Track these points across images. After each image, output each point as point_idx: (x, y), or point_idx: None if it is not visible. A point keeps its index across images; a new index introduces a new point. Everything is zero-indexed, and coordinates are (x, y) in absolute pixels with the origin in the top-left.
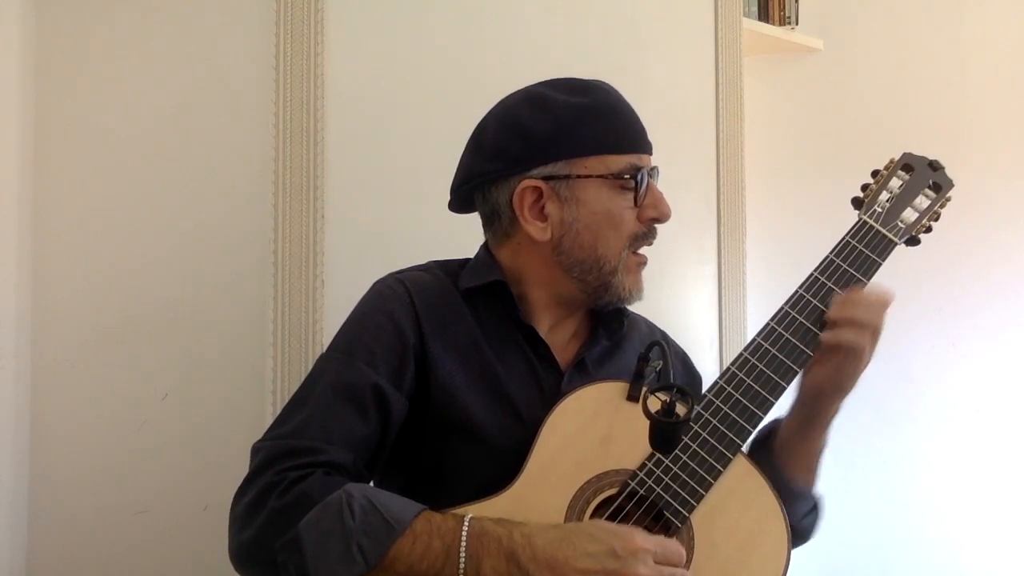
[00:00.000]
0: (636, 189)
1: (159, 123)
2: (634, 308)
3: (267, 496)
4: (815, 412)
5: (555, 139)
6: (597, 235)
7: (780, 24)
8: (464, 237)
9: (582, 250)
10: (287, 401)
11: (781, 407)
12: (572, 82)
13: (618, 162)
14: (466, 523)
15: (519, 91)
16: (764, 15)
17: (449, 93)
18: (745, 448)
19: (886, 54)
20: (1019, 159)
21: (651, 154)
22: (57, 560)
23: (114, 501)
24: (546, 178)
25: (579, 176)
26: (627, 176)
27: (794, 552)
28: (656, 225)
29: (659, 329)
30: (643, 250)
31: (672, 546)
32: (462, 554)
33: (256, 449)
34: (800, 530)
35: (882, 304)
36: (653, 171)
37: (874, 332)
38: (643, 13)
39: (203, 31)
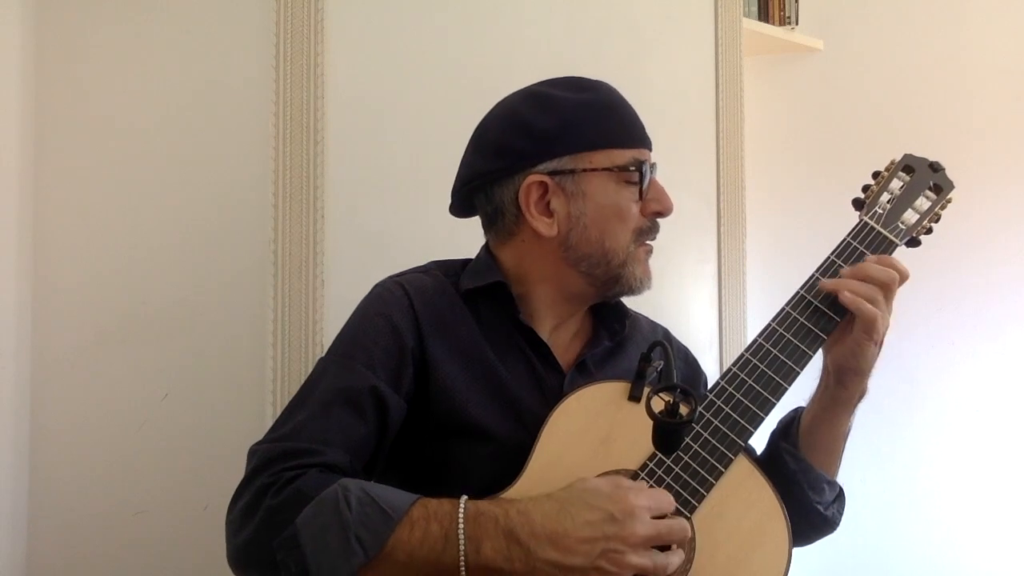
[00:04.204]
0: (640, 182)
1: (159, 123)
2: (634, 307)
3: (262, 497)
4: (840, 393)
5: (560, 135)
6: (604, 229)
7: (780, 24)
8: (464, 237)
9: (589, 244)
10: (286, 404)
11: (781, 408)
12: (571, 80)
13: (623, 156)
14: (462, 505)
15: (518, 92)
16: (764, 15)
17: (449, 93)
18: (765, 437)
19: (886, 54)
20: (1020, 159)
21: (651, 150)
22: (57, 560)
23: (114, 501)
24: (551, 173)
25: (585, 170)
26: (632, 168)
27: (794, 551)
28: (659, 220)
29: (661, 327)
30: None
31: (661, 496)
32: (461, 537)
33: (252, 452)
34: (828, 518)
35: (891, 266)
36: (653, 166)
37: (885, 292)
38: (643, 13)
39: (203, 31)
